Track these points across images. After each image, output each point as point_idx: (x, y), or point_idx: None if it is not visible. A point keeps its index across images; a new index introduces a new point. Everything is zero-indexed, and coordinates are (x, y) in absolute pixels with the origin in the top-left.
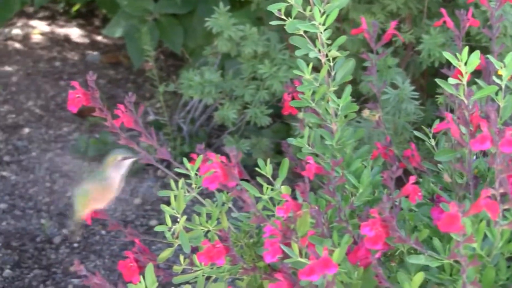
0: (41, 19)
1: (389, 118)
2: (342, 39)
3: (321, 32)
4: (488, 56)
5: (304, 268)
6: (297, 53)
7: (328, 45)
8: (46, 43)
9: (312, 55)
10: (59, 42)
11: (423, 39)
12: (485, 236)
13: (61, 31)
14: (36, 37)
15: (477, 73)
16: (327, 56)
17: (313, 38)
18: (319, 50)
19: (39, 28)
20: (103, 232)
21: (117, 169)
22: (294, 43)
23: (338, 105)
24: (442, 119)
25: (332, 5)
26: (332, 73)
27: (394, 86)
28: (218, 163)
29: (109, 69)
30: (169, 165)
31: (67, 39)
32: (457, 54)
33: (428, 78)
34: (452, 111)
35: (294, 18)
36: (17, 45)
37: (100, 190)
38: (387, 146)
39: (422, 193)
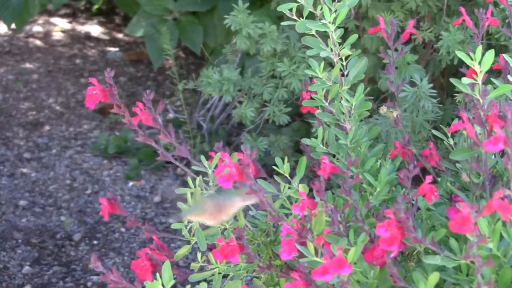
0: (62, 16)
1: (407, 116)
2: (353, 37)
3: (332, 32)
4: (504, 55)
5: (317, 267)
6: (309, 53)
7: (340, 44)
8: (67, 40)
9: (323, 54)
10: (80, 39)
11: (442, 36)
12: (502, 236)
13: (82, 28)
14: (57, 35)
15: (497, 72)
16: (339, 55)
17: (328, 37)
18: (331, 49)
19: (60, 26)
20: (123, 229)
21: (245, 200)
22: (306, 43)
23: (352, 104)
24: (460, 118)
25: (343, 3)
26: (345, 72)
27: (412, 83)
28: (233, 162)
29: (129, 66)
30: (188, 163)
31: (88, 36)
32: (470, 53)
33: (448, 77)
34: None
35: (307, 18)
36: (38, 42)
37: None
38: (405, 145)
39: (439, 192)
